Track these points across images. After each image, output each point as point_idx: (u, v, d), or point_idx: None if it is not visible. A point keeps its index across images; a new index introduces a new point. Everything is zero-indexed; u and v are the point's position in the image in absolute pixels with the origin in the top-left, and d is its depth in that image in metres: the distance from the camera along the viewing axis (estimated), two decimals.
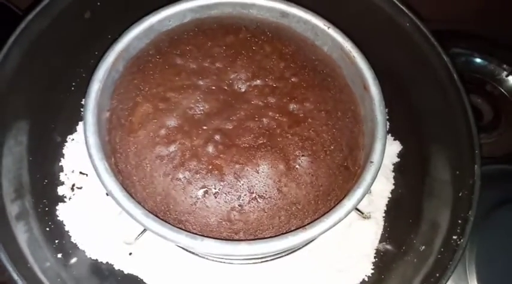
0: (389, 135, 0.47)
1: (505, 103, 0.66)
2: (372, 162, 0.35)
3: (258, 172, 0.34)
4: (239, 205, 0.34)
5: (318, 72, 0.40)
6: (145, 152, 0.35)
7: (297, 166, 0.35)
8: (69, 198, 0.41)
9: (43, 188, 0.39)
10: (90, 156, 0.34)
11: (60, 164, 0.42)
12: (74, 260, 0.38)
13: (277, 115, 0.36)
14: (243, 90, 0.38)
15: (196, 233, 0.33)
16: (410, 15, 0.44)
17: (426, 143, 0.43)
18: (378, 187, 0.45)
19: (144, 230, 0.39)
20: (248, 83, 0.38)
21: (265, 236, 0.34)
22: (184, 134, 0.35)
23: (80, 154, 0.42)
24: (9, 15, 0.56)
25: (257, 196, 0.34)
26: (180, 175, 0.34)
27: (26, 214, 0.36)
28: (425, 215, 0.40)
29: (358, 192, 0.34)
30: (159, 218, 0.33)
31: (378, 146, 0.36)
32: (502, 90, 0.67)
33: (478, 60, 0.69)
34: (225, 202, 0.33)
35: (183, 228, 0.34)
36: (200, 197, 0.33)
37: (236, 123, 0.36)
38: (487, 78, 0.68)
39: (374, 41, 0.44)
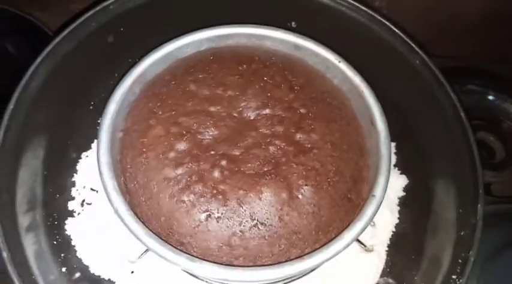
0: (396, 168, 0.47)
1: None
2: (373, 195, 0.35)
3: (260, 199, 0.35)
4: (240, 231, 0.34)
5: (326, 104, 0.41)
6: (154, 173, 0.36)
7: (300, 196, 0.35)
8: (78, 213, 0.42)
9: (54, 202, 0.41)
10: (100, 173, 0.35)
11: (72, 179, 0.43)
12: (77, 275, 0.39)
13: (284, 144, 0.37)
14: (252, 118, 0.39)
15: (197, 257, 0.34)
16: (421, 53, 0.45)
17: (432, 179, 0.43)
18: (382, 220, 0.44)
19: (147, 249, 0.40)
20: (257, 112, 0.39)
21: (264, 263, 0.35)
22: (192, 158, 0.36)
23: (92, 171, 0.44)
24: (39, 34, 0.60)
25: (258, 223, 0.34)
26: (185, 198, 0.35)
27: (36, 226, 0.38)
28: (427, 252, 0.39)
29: (358, 225, 0.34)
30: (161, 239, 0.34)
31: (381, 180, 0.36)
32: None
33: (492, 97, 0.69)
34: (227, 227, 0.34)
35: (184, 250, 0.34)
36: (203, 220, 0.34)
37: (243, 149, 0.37)
38: (500, 115, 0.68)
39: (385, 77, 0.45)
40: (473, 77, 0.70)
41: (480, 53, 0.74)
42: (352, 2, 0.47)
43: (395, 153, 0.47)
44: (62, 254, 0.39)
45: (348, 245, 0.33)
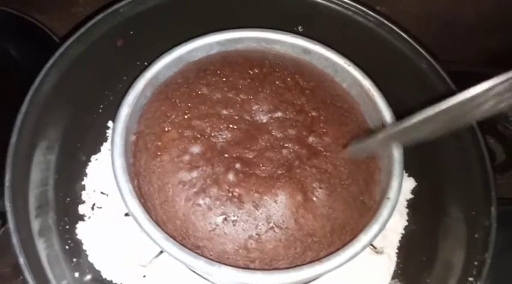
0: (404, 171, 0.47)
1: None
2: (388, 198, 0.36)
3: (276, 202, 0.35)
4: (256, 234, 0.34)
5: (336, 107, 0.41)
6: (169, 176, 0.36)
7: (314, 198, 0.36)
8: (89, 217, 0.42)
9: (65, 206, 0.40)
10: (115, 177, 0.35)
11: (82, 183, 0.43)
12: (89, 279, 0.39)
13: (297, 147, 0.37)
14: (264, 121, 0.39)
15: (213, 260, 0.33)
16: (428, 57, 0.46)
17: (440, 181, 0.44)
18: (391, 222, 0.44)
19: (159, 253, 0.40)
20: (269, 115, 0.39)
21: (280, 266, 0.35)
22: (206, 161, 0.36)
23: (102, 174, 0.43)
24: (48, 42, 0.59)
25: (274, 226, 0.34)
26: (201, 201, 0.35)
27: (48, 230, 0.37)
28: (439, 254, 0.40)
29: (374, 227, 0.34)
30: (177, 242, 0.34)
31: (394, 183, 0.37)
32: None
33: None
34: (243, 230, 0.34)
35: (200, 254, 0.34)
36: (219, 224, 0.34)
37: (256, 152, 0.37)
38: (499, 119, 0.69)
39: (392, 81, 0.46)
40: (471, 81, 0.71)
41: (478, 57, 0.75)
42: (360, 6, 0.48)
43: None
44: (74, 259, 0.39)
45: (364, 248, 0.33)
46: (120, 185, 0.35)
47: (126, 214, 0.42)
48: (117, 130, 0.37)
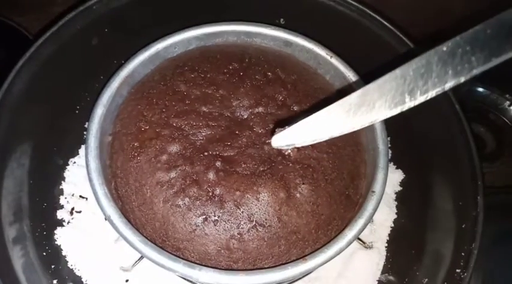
0: (392, 163, 0.47)
1: (508, 132, 0.66)
2: (373, 191, 0.35)
3: (258, 200, 0.34)
4: (238, 234, 0.33)
5: (319, 100, 0.40)
6: (146, 177, 0.34)
7: (298, 195, 0.35)
8: (68, 222, 0.40)
9: (42, 211, 0.39)
10: (90, 180, 0.34)
11: (60, 187, 0.42)
12: None
13: None
14: (245, 117, 0.38)
15: (194, 262, 0.32)
16: (412, 46, 0.45)
17: (428, 172, 0.43)
18: (380, 216, 0.44)
19: (142, 256, 0.39)
20: (250, 110, 0.38)
21: (265, 265, 0.34)
22: (185, 160, 0.35)
23: (80, 178, 0.42)
24: (20, 39, 0.57)
25: (257, 225, 0.33)
26: (180, 202, 0.33)
27: (24, 238, 0.36)
28: (428, 247, 0.39)
29: (359, 222, 0.33)
30: (157, 245, 0.32)
31: (379, 176, 0.36)
32: (505, 120, 0.67)
33: (481, 89, 0.69)
34: (225, 230, 0.33)
35: (181, 256, 0.33)
36: (199, 224, 0.33)
37: (237, 149, 0.36)
38: (489, 107, 0.68)
39: (376, 71, 0.45)
40: None
41: None
42: None
43: (390, 148, 0.47)
44: (53, 266, 0.37)
45: (350, 243, 0.32)
46: (95, 188, 0.33)
47: None
48: (91, 131, 0.36)
